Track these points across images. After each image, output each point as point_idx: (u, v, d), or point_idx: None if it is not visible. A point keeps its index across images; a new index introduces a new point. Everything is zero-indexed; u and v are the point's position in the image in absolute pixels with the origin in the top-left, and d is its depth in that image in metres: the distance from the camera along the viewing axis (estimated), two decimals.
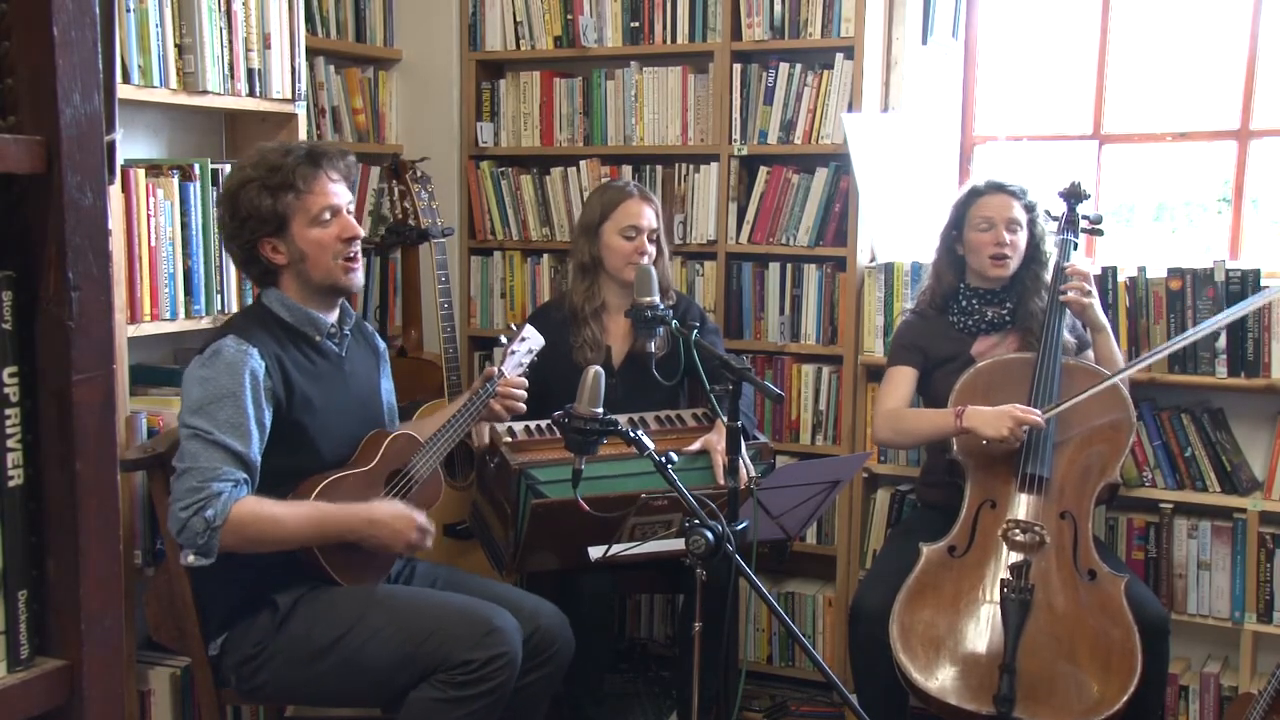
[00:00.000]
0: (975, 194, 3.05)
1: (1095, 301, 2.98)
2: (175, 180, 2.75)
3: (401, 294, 3.78)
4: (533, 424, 2.93)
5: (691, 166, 3.70)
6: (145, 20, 2.66)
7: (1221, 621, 3.20)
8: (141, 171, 2.68)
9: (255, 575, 2.36)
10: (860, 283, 3.53)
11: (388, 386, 2.70)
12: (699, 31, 3.65)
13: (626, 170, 3.77)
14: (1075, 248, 3.09)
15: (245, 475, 2.27)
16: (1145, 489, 3.25)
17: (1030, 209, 3.05)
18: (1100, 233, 3.18)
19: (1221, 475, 3.17)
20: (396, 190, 3.43)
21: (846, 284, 3.54)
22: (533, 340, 2.73)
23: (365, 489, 2.43)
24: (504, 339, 2.75)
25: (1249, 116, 3.40)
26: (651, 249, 3.17)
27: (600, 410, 2.19)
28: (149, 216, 2.68)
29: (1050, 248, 3.07)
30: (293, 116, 3.10)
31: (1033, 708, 2.57)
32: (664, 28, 3.70)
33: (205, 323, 2.82)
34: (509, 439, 2.87)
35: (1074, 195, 3.12)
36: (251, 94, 2.97)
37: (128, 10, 2.62)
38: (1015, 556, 2.75)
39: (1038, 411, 2.78)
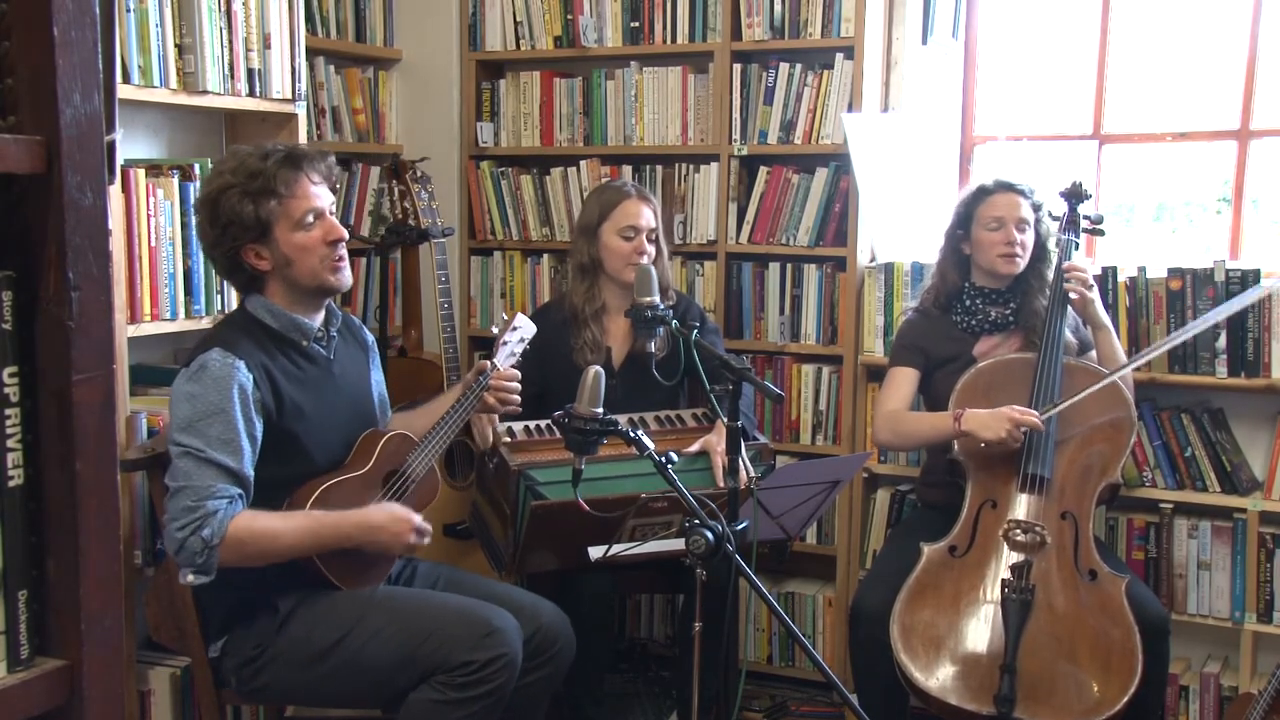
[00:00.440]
0: (984, 193, 3.05)
1: (1096, 299, 2.98)
2: (175, 180, 2.75)
3: (401, 294, 3.78)
4: (533, 424, 2.92)
5: (691, 166, 3.70)
6: (145, 20, 2.66)
7: (1221, 621, 3.20)
8: (141, 171, 2.68)
9: (255, 578, 2.35)
10: (860, 283, 3.53)
11: (378, 379, 2.67)
12: (699, 31, 3.65)
13: (626, 170, 3.77)
14: (1076, 247, 3.09)
15: (240, 490, 2.26)
16: (1145, 489, 3.25)
17: (1037, 209, 3.04)
18: (1101, 233, 3.18)
19: (1221, 475, 3.17)
20: (396, 190, 3.43)
21: (846, 284, 3.54)
22: (524, 329, 2.72)
23: (362, 492, 2.42)
24: (495, 329, 2.75)
25: (1249, 116, 3.40)
26: (650, 249, 3.17)
27: (600, 410, 2.19)
28: (149, 216, 2.68)
29: (1054, 248, 3.07)
30: (293, 116, 3.10)
31: (1033, 708, 2.57)
32: (664, 28, 3.70)
33: (205, 323, 2.82)
34: (509, 439, 2.87)
35: (1075, 195, 3.12)
36: (251, 94, 2.97)
37: (128, 10, 2.62)
38: (1016, 556, 2.75)
39: (1035, 412, 2.78)
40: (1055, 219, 3.10)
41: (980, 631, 2.69)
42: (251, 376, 2.29)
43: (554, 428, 2.54)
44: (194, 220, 2.47)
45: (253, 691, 2.44)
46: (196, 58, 2.78)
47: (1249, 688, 3.11)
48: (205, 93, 2.82)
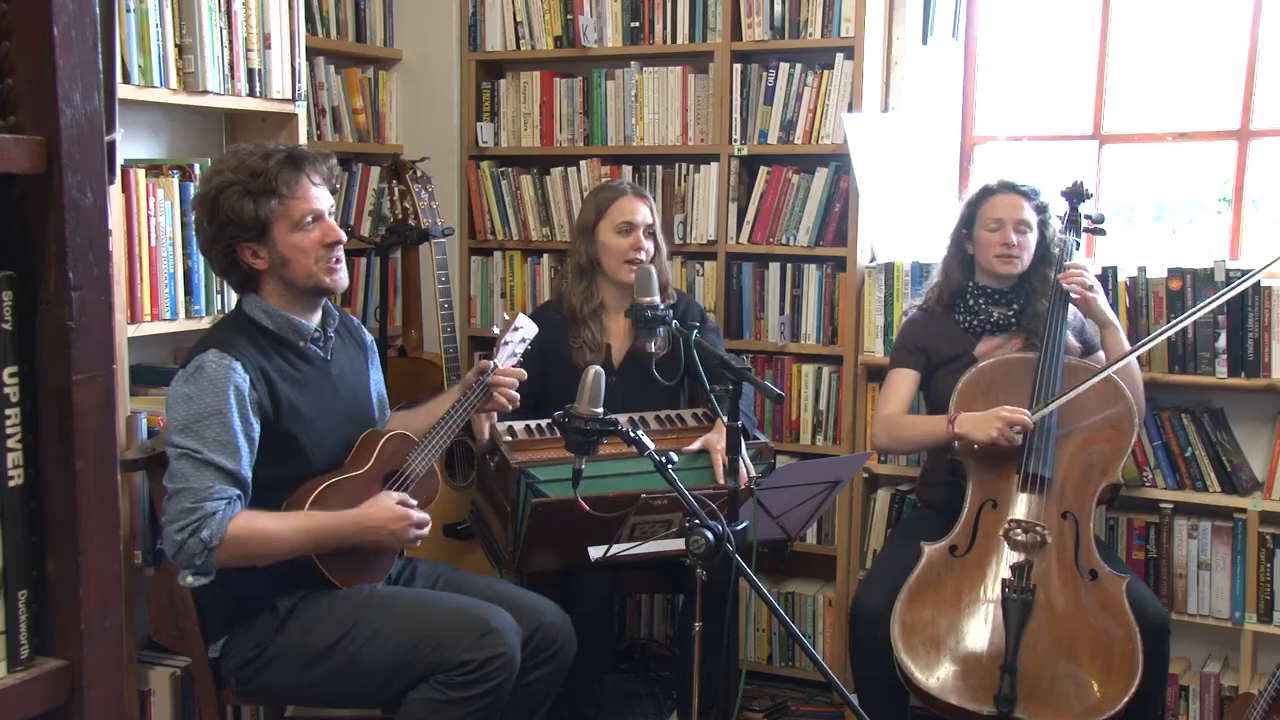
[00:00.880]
0: (987, 193, 3.05)
1: (1099, 296, 2.97)
2: (175, 180, 2.75)
3: (401, 294, 3.78)
4: (533, 424, 2.92)
5: (691, 166, 3.70)
6: (145, 20, 2.66)
7: (1221, 621, 3.20)
8: (141, 171, 2.68)
9: (255, 578, 2.35)
10: (860, 283, 3.53)
11: (376, 378, 2.67)
12: (699, 31, 3.65)
13: (627, 170, 3.77)
14: (1078, 247, 3.09)
15: (238, 491, 2.26)
16: (1145, 489, 3.25)
17: (1042, 210, 3.04)
18: (1103, 232, 3.18)
19: (1221, 475, 3.17)
20: (396, 190, 3.43)
21: (846, 284, 3.54)
22: (526, 330, 2.72)
23: (362, 492, 2.42)
24: (497, 329, 2.75)
25: (1249, 116, 3.40)
26: (648, 244, 3.17)
27: (600, 410, 2.19)
28: (149, 216, 2.68)
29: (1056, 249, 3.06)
30: (293, 116, 3.10)
31: (1033, 708, 2.57)
32: (664, 28, 3.70)
33: (205, 323, 2.82)
34: (509, 438, 2.87)
35: (1076, 195, 3.12)
36: (251, 94, 2.97)
37: (128, 10, 2.62)
38: (1017, 556, 2.75)
39: (1026, 411, 2.78)
40: (1056, 218, 3.10)
41: (981, 631, 2.69)
42: (248, 377, 2.29)
43: (554, 427, 2.54)
44: (192, 217, 2.46)
45: (252, 691, 2.44)
46: (196, 58, 2.78)
47: (1249, 688, 3.11)
48: (205, 93, 2.82)
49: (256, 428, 2.31)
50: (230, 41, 2.88)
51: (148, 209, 2.67)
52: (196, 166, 2.81)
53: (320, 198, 2.39)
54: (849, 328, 3.54)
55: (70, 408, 1.00)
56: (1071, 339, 3.01)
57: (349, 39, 3.87)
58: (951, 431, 2.83)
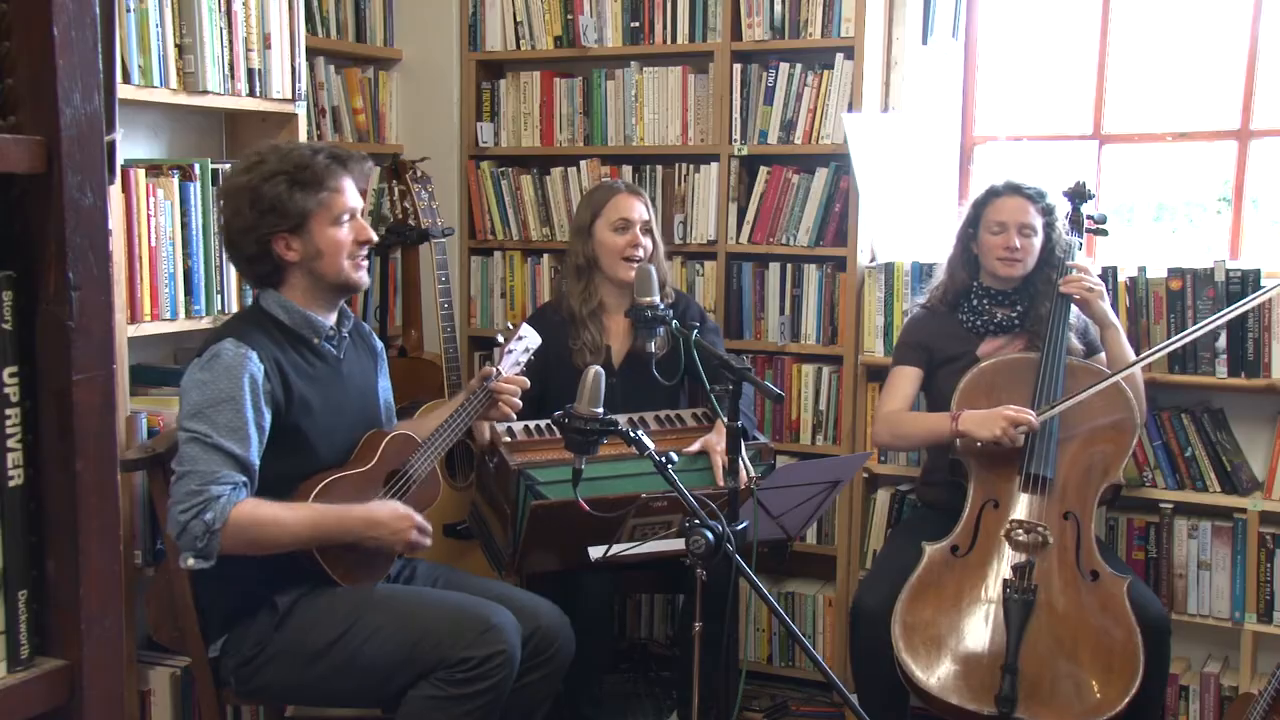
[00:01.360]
0: (992, 194, 3.05)
1: (1102, 297, 2.97)
2: (175, 180, 2.75)
3: (401, 294, 3.78)
4: (532, 424, 2.92)
5: (691, 166, 3.70)
6: (145, 20, 2.66)
7: (1221, 621, 3.20)
8: (141, 171, 2.68)
9: (255, 576, 2.36)
10: (860, 283, 3.53)
11: (385, 386, 2.69)
12: (699, 31, 3.65)
13: (627, 170, 3.77)
14: (1080, 247, 3.09)
15: (244, 478, 2.27)
16: (1145, 489, 3.25)
17: (1048, 212, 3.03)
18: (1105, 232, 3.18)
19: (1221, 475, 3.17)
20: (396, 190, 3.43)
21: (846, 284, 3.54)
22: (530, 339, 2.73)
23: (364, 489, 2.43)
24: (501, 338, 2.76)
25: (1249, 116, 3.40)
26: (646, 242, 3.17)
27: (600, 410, 2.19)
28: (149, 216, 2.68)
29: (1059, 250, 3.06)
30: (293, 116, 3.10)
31: (1034, 708, 2.57)
32: (664, 28, 3.70)
33: (205, 323, 2.82)
34: (509, 439, 2.87)
35: (1078, 195, 3.13)
36: (251, 94, 2.97)
37: (128, 10, 2.62)
38: (1018, 556, 2.75)
39: (1031, 412, 2.78)
40: (1065, 219, 3.10)
41: (981, 631, 2.69)
42: (263, 368, 2.32)
43: (554, 428, 2.54)
44: (221, 206, 2.43)
45: (252, 691, 2.44)
46: (196, 58, 2.78)
47: (1249, 688, 3.11)
48: (205, 93, 2.82)
49: (267, 418, 2.33)
50: (230, 41, 2.88)
51: (148, 209, 2.67)
52: (196, 166, 2.81)
53: (356, 197, 2.45)
54: (849, 328, 3.54)
55: (70, 408, 1.00)
56: (1074, 340, 3.01)
57: (349, 39, 3.87)
58: (955, 429, 2.83)
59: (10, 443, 1.00)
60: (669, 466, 2.14)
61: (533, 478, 2.71)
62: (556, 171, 3.86)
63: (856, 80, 3.46)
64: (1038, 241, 3.02)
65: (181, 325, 2.79)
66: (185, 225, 2.77)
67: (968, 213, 3.10)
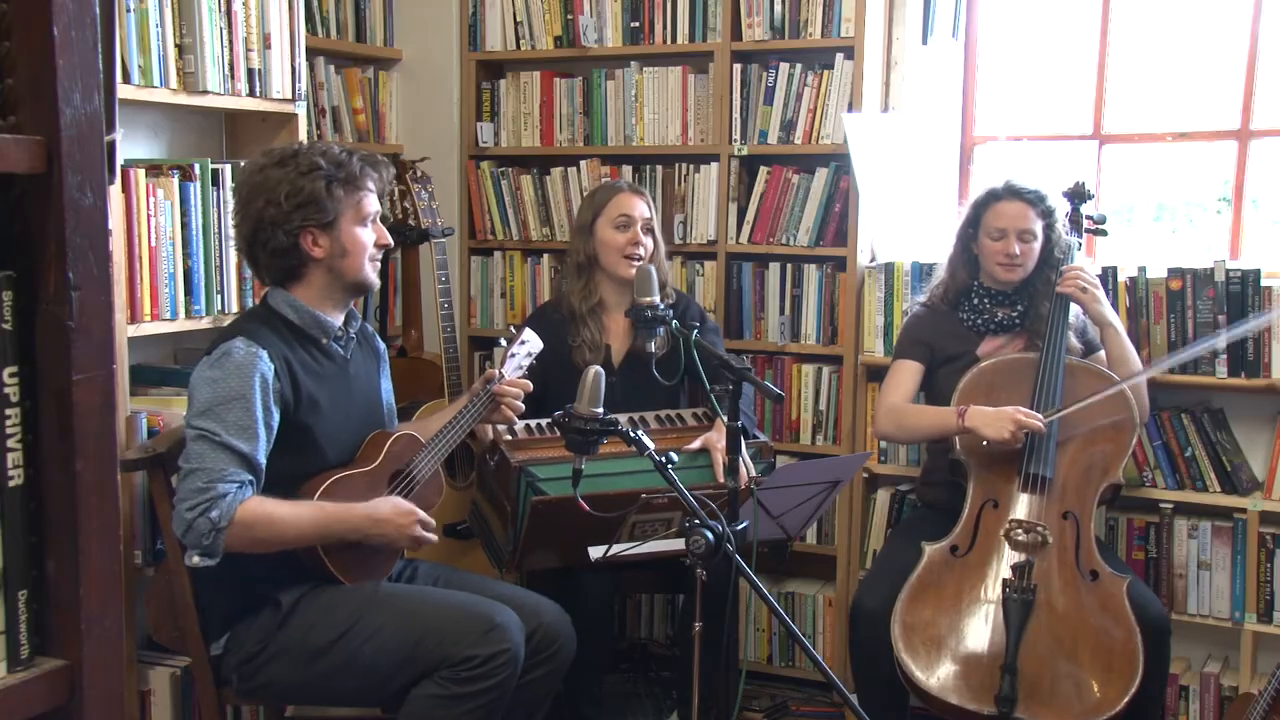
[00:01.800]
0: (993, 197, 3.04)
1: (1102, 297, 2.97)
2: (175, 180, 2.75)
3: (401, 294, 3.79)
4: (533, 423, 2.93)
5: (691, 166, 3.69)
6: (145, 20, 2.66)
7: (1221, 621, 3.20)
8: (141, 171, 2.68)
9: (258, 571, 2.36)
10: (860, 283, 3.53)
11: (387, 387, 2.71)
12: (699, 31, 3.65)
13: (627, 170, 3.77)
14: (1079, 247, 3.09)
15: (251, 476, 2.28)
16: (1145, 489, 3.25)
17: (1048, 215, 3.02)
18: (1104, 233, 3.18)
19: (1221, 475, 3.17)
20: (396, 190, 3.43)
21: (846, 284, 3.54)
22: (532, 343, 2.74)
23: (368, 489, 2.44)
24: (503, 341, 2.76)
25: (1249, 116, 3.40)
26: (647, 240, 3.17)
27: (600, 410, 2.19)
28: (149, 216, 2.68)
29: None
30: (293, 117, 3.10)
31: (1034, 708, 2.57)
32: (664, 28, 3.70)
33: (205, 323, 2.82)
34: (509, 437, 2.87)
35: (1078, 195, 3.12)
36: (251, 94, 2.97)
37: (128, 10, 2.62)
38: (1017, 556, 2.75)
39: (1039, 416, 2.78)
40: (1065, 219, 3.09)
41: (981, 631, 2.69)
42: (273, 367, 2.33)
43: (554, 427, 2.54)
44: (246, 198, 2.39)
45: (254, 689, 2.44)
46: (196, 58, 2.78)
47: (1249, 688, 3.11)
48: (205, 93, 2.82)
49: (276, 417, 2.34)
50: (230, 41, 2.88)
51: (148, 209, 2.67)
52: (196, 166, 2.81)
53: (378, 201, 2.50)
54: (849, 328, 3.54)
55: (70, 408, 1.00)
56: (1073, 339, 3.01)
57: (349, 39, 3.87)
58: (961, 424, 2.83)
59: (10, 443, 1.00)
60: (669, 466, 2.15)
61: (533, 474, 2.71)
62: (556, 171, 3.86)
63: (856, 80, 3.46)
64: (1038, 245, 3.02)
65: (181, 325, 2.79)
66: (185, 225, 2.77)
67: (968, 213, 3.10)
